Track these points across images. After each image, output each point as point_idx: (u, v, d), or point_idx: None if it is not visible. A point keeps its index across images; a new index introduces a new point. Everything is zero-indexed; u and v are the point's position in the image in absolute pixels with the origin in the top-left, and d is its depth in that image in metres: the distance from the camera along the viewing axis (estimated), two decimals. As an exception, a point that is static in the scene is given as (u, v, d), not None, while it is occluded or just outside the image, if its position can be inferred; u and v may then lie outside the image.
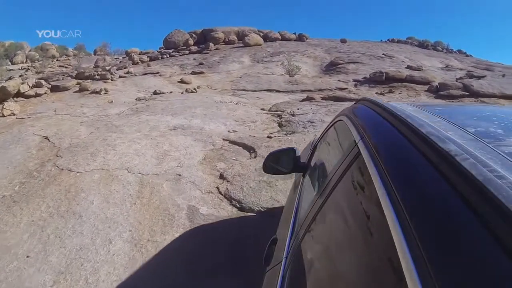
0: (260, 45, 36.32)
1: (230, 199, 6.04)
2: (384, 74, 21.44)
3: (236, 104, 15.09)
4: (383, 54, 31.99)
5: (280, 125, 11.46)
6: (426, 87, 20.01)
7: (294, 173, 3.17)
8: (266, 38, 39.28)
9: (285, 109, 13.44)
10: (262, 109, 14.13)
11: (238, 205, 5.80)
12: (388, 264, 0.73)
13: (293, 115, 12.43)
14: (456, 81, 20.69)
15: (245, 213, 5.58)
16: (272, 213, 5.44)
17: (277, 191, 6.18)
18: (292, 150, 2.84)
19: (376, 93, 18.92)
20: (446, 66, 30.19)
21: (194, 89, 18.84)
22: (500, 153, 0.81)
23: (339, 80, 22.20)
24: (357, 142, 1.34)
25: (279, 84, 20.82)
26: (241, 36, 38.47)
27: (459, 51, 45.70)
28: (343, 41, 41.18)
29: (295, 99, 16.42)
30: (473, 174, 0.67)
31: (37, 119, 11.92)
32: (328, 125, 2.71)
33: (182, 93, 18.00)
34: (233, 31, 39.78)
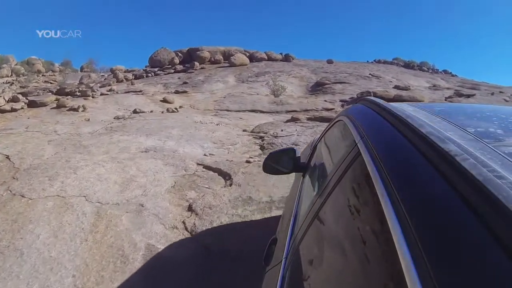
0: (246, 65, 35.84)
1: (196, 237, 5.20)
2: (372, 94, 20.74)
3: (217, 125, 14.27)
4: (369, 74, 31.53)
5: (262, 147, 10.61)
6: None
7: (294, 175, 3.23)
8: (252, 58, 38.81)
9: (268, 131, 12.61)
10: (244, 130, 13.32)
11: (205, 245, 4.97)
12: (388, 264, 0.73)
13: (276, 136, 11.58)
14: (445, 100, 20.20)
15: (212, 256, 4.73)
16: (243, 255, 4.60)
17: (251, 227, 5.40)
18: (292, 150, 2.85)
19: None
20: (434, 86, 29.85)
21: (176, 108, 18.10)
22: (500, 153, 0.81)
23: (325, 101, 21.52)
24: (357, 142, 1.34)
25: (264, 104, 20.08)
26: (227, 56, 37.80)
27: (445, 71, 45.95)
28: (329, 61, 40.71)
29: (280, 120, 15.62)
30: (473, 174, 0.66)
31: (5, 136, 10.90)
32: (328, 125, 2.72)
33: (162, 112, 17.06)
34: (219, 51, 39.01)
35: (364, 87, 24.66)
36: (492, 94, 25.43)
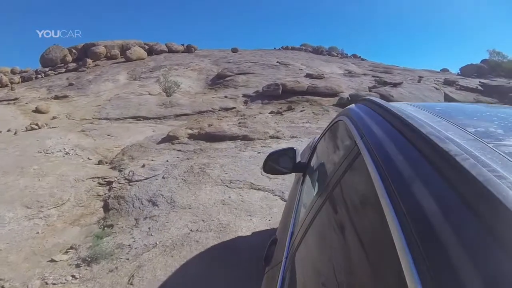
0: (143, 59, 31.75)
1: None
2: (281, 87, 16.84)
3: (67, 154, 9.46)
4: (277, 62, 27.53)
5: (106, 208, 6.03)
6: (333, 99, 15.87)
7: (293, 175, 3.16)
8: (152, 51, 34.76)
9: (128, 165, 8.05)
10: (99, 162, 8.75)
11: None
12: (388, 264, 0.72)
13: (131, 181, 6.94)
14: (370, 91, 16.81)
15: None
16: None
17: None
18: (292, 150, 2.78)
19: (272, 112, 14.32)
20: (349, 72, 26.52)
21: (46, 123, 13.83)
22: (500, 153, 0.79)
23: (225, 97, 17.41)
24: (357, 142, 1.30)
25: (150, 107, 15.83)
26: (124, 50, 33.19)
27: (354, 56, 44.59)
28: (234, 50, 37.13)
29: (161, 133, 11.30)
30: (473, 174, 0.65)
31: None
32: (328, 125, 2.57)
33: (15, 133, 12.24)
34: (117, 45, 34.40)
35: (272, 78, 20.73)
36: (419, 80, 22.93)
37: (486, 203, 0.58)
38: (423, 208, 0.68)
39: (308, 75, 21.60)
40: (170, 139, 9.98)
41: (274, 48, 44.46)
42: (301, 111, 14.44)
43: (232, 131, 10.20)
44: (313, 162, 2.67)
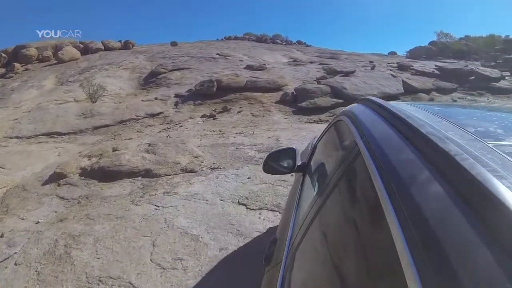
0: (76, 59, 28.43)
1: None
2: (215, 83, 14.36)
3: None
4: (217, 54, 24.87)
5: None
6: (276, 95, 13.61)
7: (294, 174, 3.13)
8: (87, 50, 31.51)
9: None
10: None
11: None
12: (388, 264, 0.72)
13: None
14: (319, 83, 14.56)
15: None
16: None
17: None
18: (292, 150, 2.74)
19: (204, 116, 11.89)
20: (294, 61, 24.25)
21: None
22: (500, 153, 0.78)
23: (155, 98, 14.76)
24: (357, 142, 1.27)
25: (68, 119, 12.93)
26: (58, 51, 29.68)
27: (299, 42, 43.36)
28: (173, 44, 34.29)
29: (59, 161, 8.55)
30: (473, 174, 0.64)
31: None
32: (328, 125, 2.54)
33: None
34: (50, 46, 30.98)
35: (209, 72, 18.19)
36: (373, 68, 20.74)
37: (486, 203, 0.57)
38: (423, 208, 0.68)
39: (249, 67, 19.15)
40: (57, 177, 7.04)
41: (217, 39, 41.98)
42: (238, 112, 12.14)
43: (132, 164, 6.95)
44: (313, 162, 2.57)
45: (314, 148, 2.92)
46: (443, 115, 1.19)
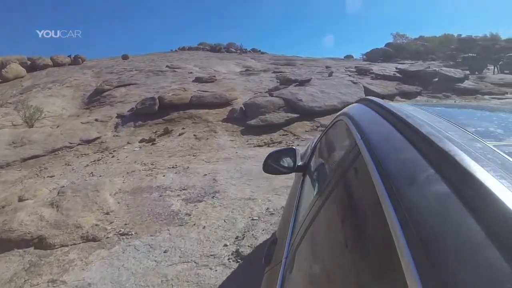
0: (22, 77, 25.77)
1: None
2: (158, 101, 12.69)
3: None
4: (166, 66, 23.09)
5: None
6: (225, 111, 12.13)
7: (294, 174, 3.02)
8: (35, 67, 28.63)
9: None
10: None
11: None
12: (388, 264, 0.70)
13: None
14: (272, 95, 13.09)
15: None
16: None
17: None
18: (292, 150, 2.73)
19: (143, 140, 10.31)
20: (246, 70, 22.83)
21: None
22: (500, 153, 0.77)
23: (96, 120, 12.90)
24: (357, 141, 1.25)
25: None
26: (3, 68, 26.53)
27: (254, 50, 42.50)
28: (124, 57, 32.08)
29: None
30: (473, 174, 0.63)
31: None
32: (328, 125, 2.51)
33: None
34: None
35: (155, 87, 16.55)
36: (331, 74, 19.34)
37: (486, 203, 0.56)
38: (423, 208, 0.67)
39: (197, 79, 17.53)
40: None
41: (171, 50, 40.15)
42: (180, 134, 10.54)
43: (24, 228, 4.96)
44: (313, 162, 2.58)
45: (314, 148, 2.87)
46: (443, 115, 1.19)
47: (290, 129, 10.77)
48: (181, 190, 5.87)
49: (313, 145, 3.12)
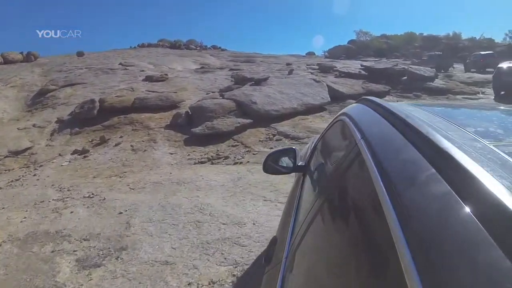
0: None
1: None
2: (98, 104, 11.03)
3: None
4: (119, 64, 21.19)
5: None
6: (170, 115, 10.60)
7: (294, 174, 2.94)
8: None
9: None
10: None
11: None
12: (388, 264, 0.69)
13: None
14: (223, 96, 11.64)
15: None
16: None
17: None
18: (292, 150, 2.67)
19: (75, 151, 8.72)
20: (202, 67, 21.34)
21: None
22: (500, 153, 0.77)
23: (34, 125, 11.17)
24: (357, 141, 1.24)
25: None
26: None
27: (214, 47, 41.10)
28: (79, 54, 29.67)
29: None
30: (473, 174, 0.63)
31: None
32: (329, 125, 2.46)
33: None
34: None
35: (102, 87, 14.85)
36: (291, 71, 17.59)
37: (486, 203, 0.56)
38: (423, 207, 0.67)
39: (148, 78, 15.81)
40: None
41: (130, 47, 37.94)
42: (116, 144, 8.96)
43: None
44: (313, 162, 2.51)
45: (314, 148, 2.80)
46: (443, 115, 1.17)
47: (241, 138, 9.12)
48: (81, 241, 4.14)
49: (313, 145, 3.04)
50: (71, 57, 28.80)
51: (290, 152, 2.65)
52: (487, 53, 27.47)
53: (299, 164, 2.58)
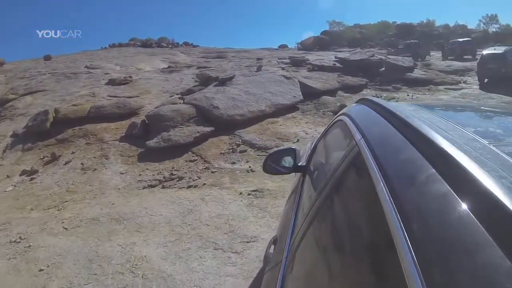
0: None
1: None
2: (51, 115, 9.74)
3: None
4: (85, 66, 19.77)
5: None
6: (127, 125, 9.32)
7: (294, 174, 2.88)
8: None
9: None
10: None
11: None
12: (388, 264, 0.69)
13: None
14: (183, 98, 10.58)
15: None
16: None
17: None
18: (292, 150, 2.61)
19: (24, 172, 7.62)
20: (168, 67, 20.06)
21: None
22: (500, 153, 0.76)
23: (-15, 141, 9.82)
24: (357, 141, 1.22)
25: None
26: None
27: (186, 43, 40.37)
28: (47, 58, 27.92)
29: None
30: (473, 174, 0.62)
31: None
32: (329, 125, 2.46)
33: None
34: None
35: (63, 94, 13.57)
36: (259, 68, 15.97)
37: (486, 203, 0.55)
38: (423, 207, 0.66)
39: (110, 82, 14.49)
40: None
41: (101, 48, 36.36)
42: (67, 162, 7.79)
43: None
44: (313, 162, 2.47)
45: (314, 148, 2.74)
46: (443, 115, 1.16)
47: (201, 150, 7.91)
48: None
49: (313, 145, 2.97)
50: (37, 61, 27.13)
51: (290, 152, 2.58)
52: (465, 40, 26.70)
53: (299, 164, 2.51)
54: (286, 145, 7.85)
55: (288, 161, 2.57)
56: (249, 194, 5.48)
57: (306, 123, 9.85)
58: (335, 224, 1.21)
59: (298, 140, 8.24)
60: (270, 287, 1.72)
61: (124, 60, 22.68)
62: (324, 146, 2.35)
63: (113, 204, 5.63)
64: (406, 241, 0.59)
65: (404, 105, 1.47)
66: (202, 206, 5.20)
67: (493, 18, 43.51)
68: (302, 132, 8.95)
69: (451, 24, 45.67)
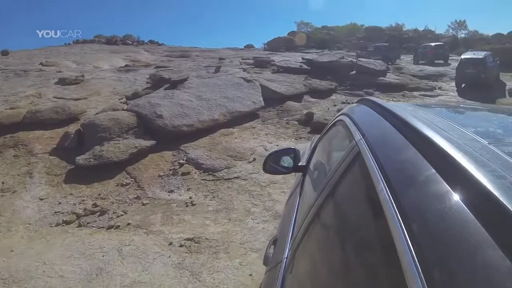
0: None
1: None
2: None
3: None
4: (40, 63, 18.07)
5: None
6: (62, 132, 8.07)
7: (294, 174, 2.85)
8: None
9: None
10: None
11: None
12: (388, 264, 0.68)
13: None
14: (127, 103, 9.51)
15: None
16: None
17: None
18: (292, 150, 2.60)
19: None
20: (125, 66, 18.66)
21: None
22: (500, 153, 0.74)
23: None
24: (357, 141, 1.20)
25: None
26: None
27: (151, 41, 38.78)
28: (4, 53, 25.23)
29: None
30: (473, 174, 0.61)
31: None
32: (329, 125, 2.42)
33: None
34: None
35: (8, 94, 11.85)
36: (217, 70, 14.77)
37: (486, 203, 0.55)
38: (423, 207, 0.66)
39: (61, 81, 13.07)
40: None
41: (65, 44, 34.15)
42: None
43: None
44: (313, 162, 2.46)
45: (314, 148, 2.71)
46: (443, 115, 1.15)
47: (137, 171, 6.66)
48: None
49: (313, 145, 2.90)
50: (-4, 57, 25.16)
51: (290, 152, 2.53)
52: (437, 44, 26.24)
53: (299, 164, 2.47)
54: (239, 165, 6.73)
55: (288, 161, 2.50)
56: (181, 246, 4.37)
57: (266, 135, 8.70)
58: (335, 224, 1.18)
59: (254, 159, 6.96)
60: (270, 287, 1.66)
61: (83, 57, 21.07)
62: (324, 146, 2.30)
63: (12, 251, 4.36)
64: (406, 241, 0.57)
65: (404, 105, 1.44)
66: (116, 264, 4.02)
67: (461, 24, 44.53)
68: (260, 147, 7.76)
69: (421, 29, 45.93)
